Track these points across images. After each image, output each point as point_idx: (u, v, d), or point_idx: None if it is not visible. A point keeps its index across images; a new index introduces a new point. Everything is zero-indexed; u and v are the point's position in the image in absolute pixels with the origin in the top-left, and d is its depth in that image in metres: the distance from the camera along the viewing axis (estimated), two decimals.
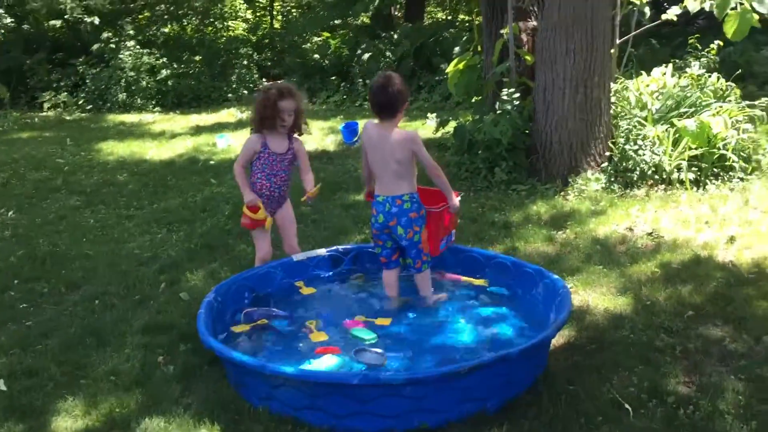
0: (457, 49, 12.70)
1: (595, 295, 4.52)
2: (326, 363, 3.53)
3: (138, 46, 13.89)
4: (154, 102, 13.63)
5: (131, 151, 9.56)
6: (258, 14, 19.15)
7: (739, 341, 3.87)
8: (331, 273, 4.70)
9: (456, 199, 4.18)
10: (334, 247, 4.80)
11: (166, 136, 10.56)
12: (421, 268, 4.17)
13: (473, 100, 7.92)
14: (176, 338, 4.09)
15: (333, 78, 13.75)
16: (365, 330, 3.85)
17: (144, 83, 13.55)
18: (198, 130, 10.93)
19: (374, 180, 4.15)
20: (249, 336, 3.88)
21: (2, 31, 15.27)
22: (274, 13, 18.71)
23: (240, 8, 18.39)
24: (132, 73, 13.47)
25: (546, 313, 3.84)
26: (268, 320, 4.01)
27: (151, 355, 3.91)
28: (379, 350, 3.53)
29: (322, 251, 4.72)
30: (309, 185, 4.48)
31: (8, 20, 14.80)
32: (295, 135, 4.57)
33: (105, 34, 13.74)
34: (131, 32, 14.06)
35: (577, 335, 4.03)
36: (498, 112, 6.91)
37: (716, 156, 6.54)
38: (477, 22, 8.21)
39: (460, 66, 7.90)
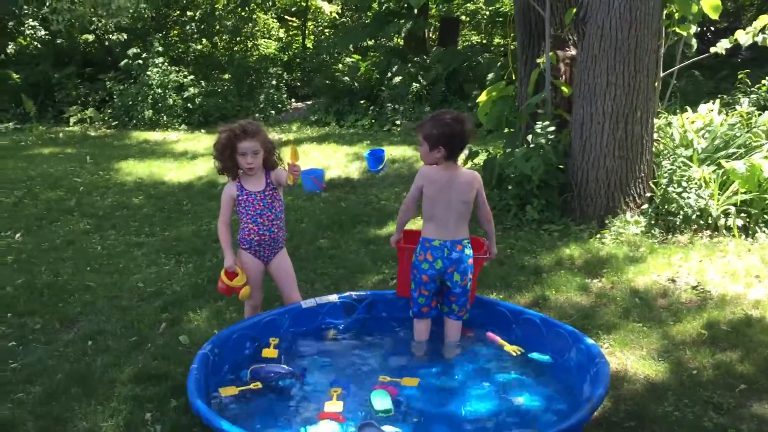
0: (491, 75, 12.34)
1: (634, 359, 4.07)
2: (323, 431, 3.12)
3: (167, 63, 13.74)
4: (180, 120, 13.45)
5: (150, 171, 9.32)
6: (291, 33, 19.03)
7: None
8: (343, 322, 4.29)
9: (495, 249, 4.13)
10: (348, 293, 4.40)
11: (188, 157, 10.32)
12: (463, 317, 4.01)
13: (505, 131, 7.51)
14: (169, 391, 3.73)
15: (362, 101, 13.45)
16: (385, 396, 3.41)
17: (171, 100, 13.38)
18: None
19: (433, 223, 3.87)
20: (244, 395, 3.47)
21: (36, 44, 15.35)
22: (307, 32, 18.55)
23: (273, 26, 18.28)
24: (159, 90, 13.31)
25: (579, 384, 3.41)
26: (274, 380, 3.59)
27: (139, 410, 3.55)
28: (389, 429, 3.10)
29: (334, 297, 4.32)
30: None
31: (42, 32, 14.85)
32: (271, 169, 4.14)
33: (133, 50, 13.61)
34: (159, 49, 13.92)
35: (614, 408, 3.58)
36: (531, 145, 6.50)
37: (767, 202, 6.04)
38: (512, 48, 7.83)
39: (493, 95, 7.51)
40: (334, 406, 3.34)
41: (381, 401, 3.35)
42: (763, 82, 7.58)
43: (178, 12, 16.63)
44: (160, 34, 15.19)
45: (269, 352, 3.82)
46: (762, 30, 6.51)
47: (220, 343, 3.68)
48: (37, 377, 3.92)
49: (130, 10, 12.93)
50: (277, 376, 3.59)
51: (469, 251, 3.89)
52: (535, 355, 3.78)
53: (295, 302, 4.21)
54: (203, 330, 4.49)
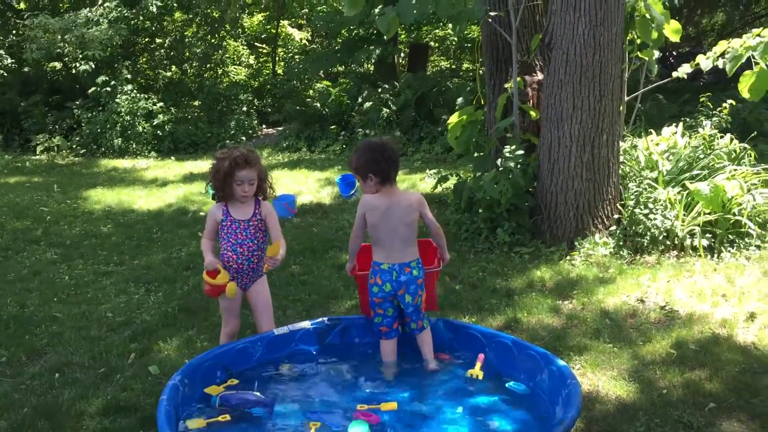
0: (460, 99, 12.47)
1: (605, 379, 4.10)
2: None
3: (135, 90, 13.68)
4: (149, 147, 13.37)
5: (119, 199, 9.23)
6: (261, 60, 19.08)
7: None
8: (316, 348, 4.26)
9: (447, 255, 4.23)
10: (320, 319, 4.38)
11: (158, 184, 10.24)
12: (424, 327, 4.07)
13: (475, 156, 7.58)
14: (138, 423, 3.67)
15: (333, 127, 13.50)
16: (362, 426, 3.37)
17: (140, 128, 13.31)
18: (191, 178, 10.61)
19: (380, 247, 3.96)
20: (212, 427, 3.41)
21: (2, 71, 15.18)
22: (277, 59, 18.62)
23: (243, 53, 18.31)
24: (128, 118, 13.23)
25: (551, 407, 3.42)
26: (244, 407, 3.55)
27: None
28: None
29: (307, 324, 4.30)
30: (280, 249, 4.01)
31: (9, 61, 14.70)
32: (262, 198, 4.16)
33: (101, 78, 13.53)
34: (128, 76, 13.86)
35: (586, 429, 3.60)
36: (500, 169, 6.58)
37: (731, 222, 6.17)
38: (480, 73, 7.95)
39: (463, 119, 7.59)
40: None
41: (357, 430, 3.32)
42: (724, 105, 7.77)
43: (147, 39, 16.61)
44: (129, 62, 15.14)
45: (213, 389, 3.65)
46: (722, 54, 6.69)
47: (190, 373, 3.63)
48: (2, 412, 3.83)
49: (102, 40, 12.88)
50: (247, 404, 3.54)
51: (417, 272, 3.96)
52: (511, 384, 3.77)
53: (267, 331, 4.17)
54: (174, 359, 4.43)
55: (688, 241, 6.08)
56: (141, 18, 15.27)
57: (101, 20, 12.97)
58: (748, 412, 3.69)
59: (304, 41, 18.84)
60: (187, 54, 16.36)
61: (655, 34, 6.69)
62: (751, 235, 6.12)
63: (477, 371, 3.86)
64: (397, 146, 4.05)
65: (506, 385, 3.77)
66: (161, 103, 13.97)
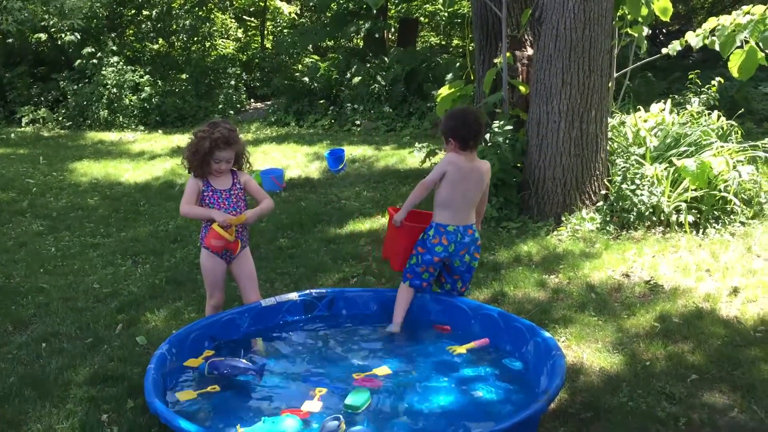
0: (449, 75, 12.44)
1: (590, 351, 4.15)
2: (283, 425, 3.11)
3: (122, 63, 13.52)
4: (136, 120, 13.25)
5: (106, 172, 9.16)
6: (249, 33, 18.89)
7: (748, 412, 3.51)
8: (303, 319, 4.28)
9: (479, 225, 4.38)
10: (307, 291, 4.39)
11: (145, 157, 10.18)
12: (465, 292, 4.34)
13: None
14: (125, 392, 3.68)
15: (321, 101, 13.43)
16: (359, 393, 3.39)
17: (127, 101, 13.17)
18: (179, 151, 10.53)
19: (449, 209, 4.10)
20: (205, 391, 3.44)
21: None
22: (266, 33, 18.43)
23: (231, 27, 18.12)
24: (114, 90, 13.09)
25: (536, 377, 3.46)
26: (233, 374, 3.56)
27: (95, 412, 3.50)
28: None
29: (294, 295, 4.31)
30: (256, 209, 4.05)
31: None
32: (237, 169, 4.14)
33: (88, 50, 13.35)
34: (114, 48, 13.69)
35: (570, 400, 3.65)
36: (488, 144, 6.58)
37: (717, 198, 6.21)
38: (471, 49, 7.91)
39: (452, 92, 7.57)
40: (312, 405, 3.31)
41: (353, 397, 3.34)
42: (712, 82, 7.78)
43: (133, 11, 16.39)
44: (115, 34, 14.94)
45: (193, 362, 3.65)
46: (711, 32, 6.68)
47: (177, 343, 3.64)
48: None
49: (84, 11, 12.69)
50: (236, 371, 3.55)
51: (478, 235, 4.20)
52: (507, 362, 3.76)
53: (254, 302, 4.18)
54: (161, 330, 4.44)
55: (674, 217, 6.12)
56: None
57: None
58: (729, 384, 3.75)
59: (293, 15, 18.65)
60: (175, 26, 16.16)
61: (645, 11, 6.67)
62: (736, 211, 6.17)
63: (460, 348, 3.87)
64: (482, 116, 4.25)
65: (503, 361, 3.78)
66: (148, 76, 13.82)
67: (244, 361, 3.62)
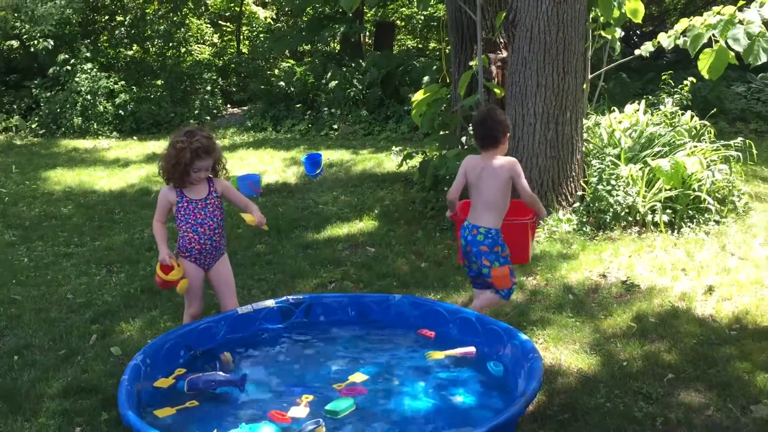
0: (426, 78, 12.44)
1: (568, 353, 4.16)
2: None
3: (96, 69, 13.37)
4: (111, 127, 13.10)
5: (80, 180, 9.05)
6: (225, 38, 18.78)
7: (723, 410, 3.54)
8: (280, 326, 4.24)
9: (543, 209, 4.35)
10: (284, 298, 4.36)
11: (120, 164, 10.06)
12: (500, 293, 4.24)
13: (440, 134, 7.58)
14: (99, 404, 3.63)
15: (298, 106, 13.38)
16: (344, 400, 3.36)
17: (101, 107, 13.02)
18: (154, 158, 10.42)
19: (471, 206, 4.24)
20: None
21: None
22: (242, 38, 18.34)
23: (207, 32, 18.00)
24: (89, 97, 12.94)
25: (514, 380, 3.46)
26: (213, 388, 3.50)
27: (68, 425, 3.45)
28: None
29: (271, 302, 4.28)
30: (255, 214, 4.08)
31: None
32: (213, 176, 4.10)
33: (61, 56, 13.18)
34: (88, 54, 13.54)
35: (548, 401, 3.66)
36: (465, 147, 6.58)
37: (691, 197, 6.27)
38: (447, 51, 7.93)
39: (427, 97, 7.57)
40: (299, 411, 3.28)
41: (334, 403, 3.31)
42: (685, 83, 7.86)
43: (107, 17, 16.22)
44: (89, 40, 14.78)
45: (164, 382, 3.54)
46: (683, 33, 6.75)
47: (152, 353, 3.59)
48: None
49: (55, 17, 12.52)
50: (216, 385, 3.51)
51: (483, 238, 4.10)
52: (491, 366, 3.72)
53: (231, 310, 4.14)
54: (136, 340, 4.39)
55: (649, 217, 6.17)
56: None
57: None
58: (705, 382, 3.78)
59: (269, 20, 18.57)
60: (149, 32, 15.99)
61: (617, 13, 6.72)
62: (710, 210, 6.23)
63: (438, 354, 3.84)
64: (504, 115, 4.24)
65: (488, 364, 3.73)
66: (123, 82, 13.68)
67: (221, 373, 3.58)
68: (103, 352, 4.25)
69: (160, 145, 11.58)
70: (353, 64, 13.69)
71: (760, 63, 5.88)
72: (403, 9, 17.77)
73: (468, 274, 4.43)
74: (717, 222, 6.20)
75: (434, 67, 12.96)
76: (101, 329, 4.59)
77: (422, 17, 17.51)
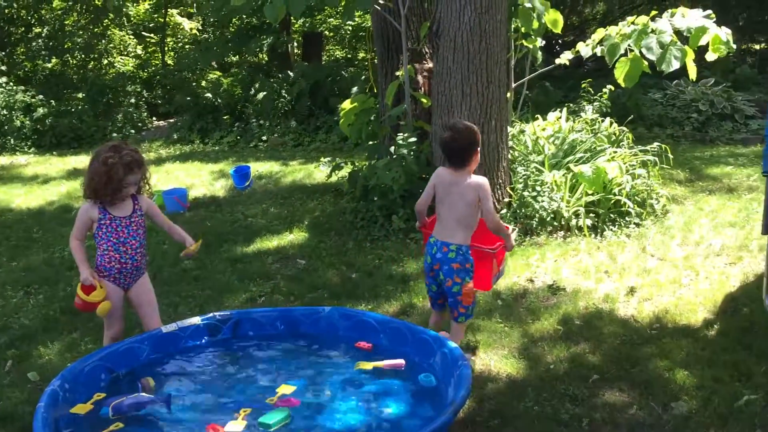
0: (355, 88, 12.47)
1: (497, 359, 4.21)
2: None
3: (12, 83, 12.86)
4: (29, 143, 12.62)
5: None
6: (149, 50, 18.37)
7: (646, 408, 3.65)
8: (207, 344, 4.14)
9: (512, 240, 4.23)
10: (211, 314, 4.26)
11: (39, 181, 9.69)
12: (457, 319, 4.11)
13: (369, 144, 7.60)
14: None
15: (226, 117, 13.19)
16: (279, 412, 3.30)
17: (18, 122, 12.53)
18: (75, 174, 10.09)
19: (438, 221, 4.11)
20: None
21: None
22: (166, 49, 17.98)
23: (130, 43, 17.57)
24: (4, 112, 12.43)
25: (445, 388, 3.47)
26: (139, 411, 3.37)
27: None
28: None
29: (196, 320, 4.17)
30: (187, 240, 4.00)
31: None
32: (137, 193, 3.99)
33: None
34: (3, 68, 13.02)
35: (478, 408, 3.69)
36: (393, 157, 6.61)
37: (612, 202, 6.47)
38: (374, 62, 7.96)
39: (354, 107, 7.58)
40: (236, 425, 3.20)
41: (268, 415, 3.25)
42: (604, 90, 8.12)
43: (23, 29, 15.63)
44: (4, 53, 14.21)
45: (81, 408, 3.38)
46: (600, 42, 6.98)
47: (71, 378, 3.44)
48: None
49: None
50: (141, 407, 3.38)
51: (454, 256, 3.97)
52: (423, 378, 3.68)
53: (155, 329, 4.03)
54: (55, 365, 4.21)
55: (573, 222, 6.33)
56: (15, 6, 14.36)
57: None
58: (628, 382, 3.89)
59: (194, 31, 18.28)
60: (69, 44, 15.51)
61: (536, 24, 6.90)
62: (630, 213, 6.44)
63: (366, 364, 3.82)
64: (471, 132, 4.02)
65: (419, 377, 3.73)
66: (41, 96, 13.21)
67: (145, 394, 3.46)
68: (20, 379, 4.07)
69: (81, 161, 11.21)
70: (281, 75, 13.61)
71: (672, 70, 6.13)
72: (331, 19, 17.78)
73: (428, 294, 4.29)
74: (637, 225, 6.42)
75: (363, 77, 13.01)
76: (18, 354, 4.39)
77: (350, 27, 17.57)
